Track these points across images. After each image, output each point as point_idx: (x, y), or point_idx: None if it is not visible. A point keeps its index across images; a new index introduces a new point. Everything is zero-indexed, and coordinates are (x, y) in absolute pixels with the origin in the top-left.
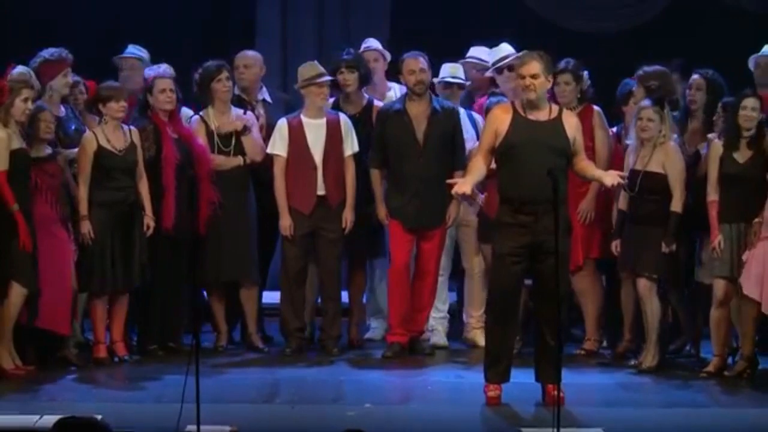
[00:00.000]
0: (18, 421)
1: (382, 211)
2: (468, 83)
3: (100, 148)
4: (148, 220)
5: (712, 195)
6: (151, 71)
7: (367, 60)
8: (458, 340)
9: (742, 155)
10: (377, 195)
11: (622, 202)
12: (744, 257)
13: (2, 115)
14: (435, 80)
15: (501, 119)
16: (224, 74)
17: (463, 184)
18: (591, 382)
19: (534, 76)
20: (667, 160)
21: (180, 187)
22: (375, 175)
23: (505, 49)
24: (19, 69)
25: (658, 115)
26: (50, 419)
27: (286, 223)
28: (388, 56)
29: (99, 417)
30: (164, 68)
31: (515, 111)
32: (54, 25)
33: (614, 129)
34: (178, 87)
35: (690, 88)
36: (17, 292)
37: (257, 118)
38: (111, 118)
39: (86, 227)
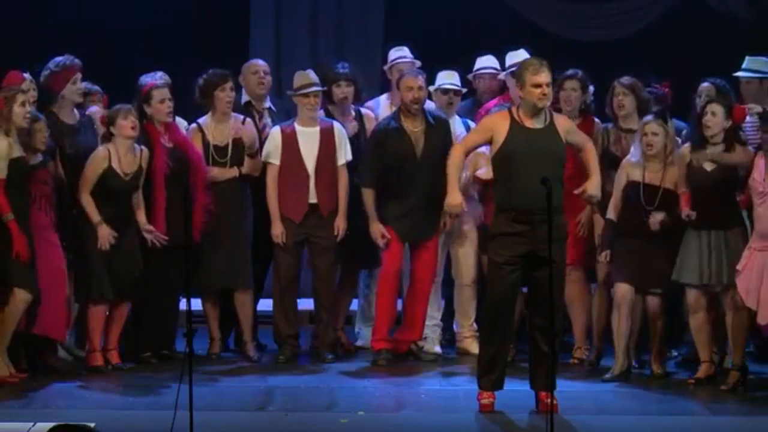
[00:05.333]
0: (11, 428)
1: (377, 230)
2: (464, 90)
3: (110, 168)
4: (146, 232)
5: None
6: (147, 78)
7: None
8: (451, 348)
9: (710, 164)
10: (371, 214)
11: (612, 213)
12: (739, 267)
13: (3, 124)
14: (431, 88)
15: (498, 125)
16: (229, 84)
17: (455, 197)
18: (584, 390)
19: (548, 85)
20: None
21: (173, 196)
22: (369, 194)
23: (524, 55)
24: None
25: (662, 129)
26: (44, 426)
27: (277, 230)
28: (418, 64)
29: (92, 425)
30: (160, 75)
31: (512, 118)
32: (48, 33)
33: None
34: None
35: (700, 96)
36: (21, 299)
37: (264, 127)
38: (124, 138)
39: (106, 230)
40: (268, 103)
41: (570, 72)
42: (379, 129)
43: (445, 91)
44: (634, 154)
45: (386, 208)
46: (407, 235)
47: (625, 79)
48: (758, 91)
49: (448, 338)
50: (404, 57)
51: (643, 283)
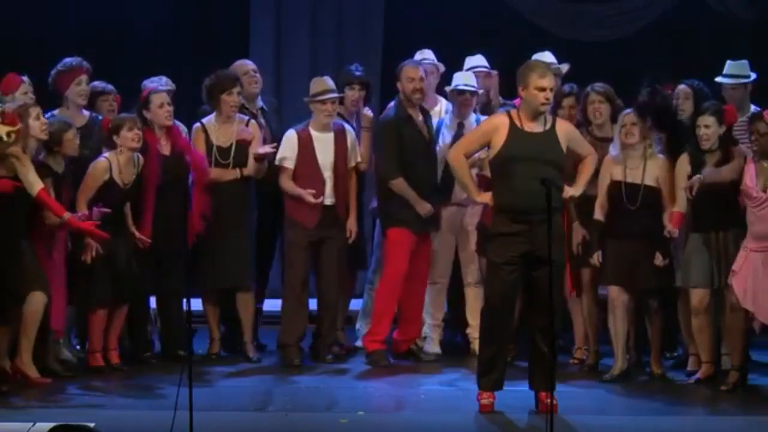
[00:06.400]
0: (11, 428)
1: (424, 207)
2: (481, 91)
3: (111, 179)
4: (136, 236)
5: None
6: (150, 83)
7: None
8: (451, 348)
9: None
10: (413, 197)
11: (599, 213)
12: (735, 268)
13: (21, 142)
14: (447, 88)
15: (498, 129)
16: (236, 88)
17: (483, 196)
18: (583, 390)
19: (551, 90)
20: (661, 174)
21: (168, 201)
22: (400, 183)
23: (550, 56)
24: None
25: (640, 119)
26: (44, 426)
27: (308, 196)
28: (442, 68)
29: (92, 425)
30: (165, 81)
31: (512, 122)
32: (47, 33)
33: None
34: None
35: (678, 98)
36: (39, 301)
37: (259, 128)
38: (126, 149)
39: (95, 242)
40: (260, 103)
41: (566, 89)
42: (388, 120)
43: (461, 92)
44: (613, 148)
45: (397, 207)
46: (420, 227)
47: (599, 86)
48: (743, 95)
49: (449, 338)
50: (428, 59)
51: (634, 283)
